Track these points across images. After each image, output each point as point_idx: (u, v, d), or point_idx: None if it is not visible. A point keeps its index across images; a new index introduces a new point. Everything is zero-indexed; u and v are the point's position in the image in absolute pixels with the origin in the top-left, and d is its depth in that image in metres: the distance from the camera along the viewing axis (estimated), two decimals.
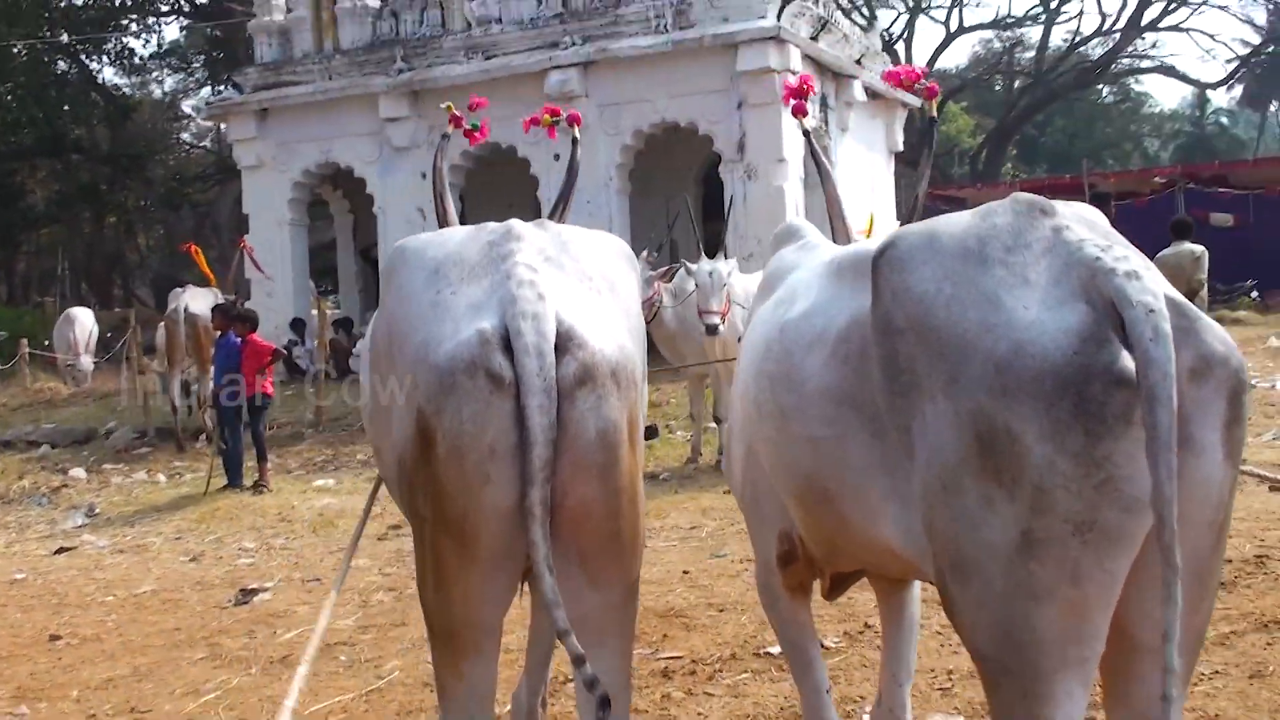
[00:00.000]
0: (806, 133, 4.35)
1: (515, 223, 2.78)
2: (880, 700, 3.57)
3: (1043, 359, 2.13)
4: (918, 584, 3.49)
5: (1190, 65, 70.39)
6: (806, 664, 3.34)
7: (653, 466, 10.74)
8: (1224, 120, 56.62)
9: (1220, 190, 25.35)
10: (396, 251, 2.86)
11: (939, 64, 42.66)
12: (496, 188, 18.50)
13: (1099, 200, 19.94)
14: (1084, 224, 2.35)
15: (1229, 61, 47.46)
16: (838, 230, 3.87)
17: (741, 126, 15.97)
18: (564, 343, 2.53)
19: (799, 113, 4.28)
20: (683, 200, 13.31)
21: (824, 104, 17.03)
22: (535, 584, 2.66)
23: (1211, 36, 44.56)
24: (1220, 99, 53.84)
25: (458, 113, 4.69)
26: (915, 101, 23.10)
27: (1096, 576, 2.16)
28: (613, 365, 2.58)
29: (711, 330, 9.34)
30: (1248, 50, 44.50)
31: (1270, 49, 44.97)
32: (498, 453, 2.49)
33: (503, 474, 2.50)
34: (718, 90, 16.11)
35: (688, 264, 9.78)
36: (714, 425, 10.77)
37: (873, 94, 18.57)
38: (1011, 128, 43.59)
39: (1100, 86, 48.53)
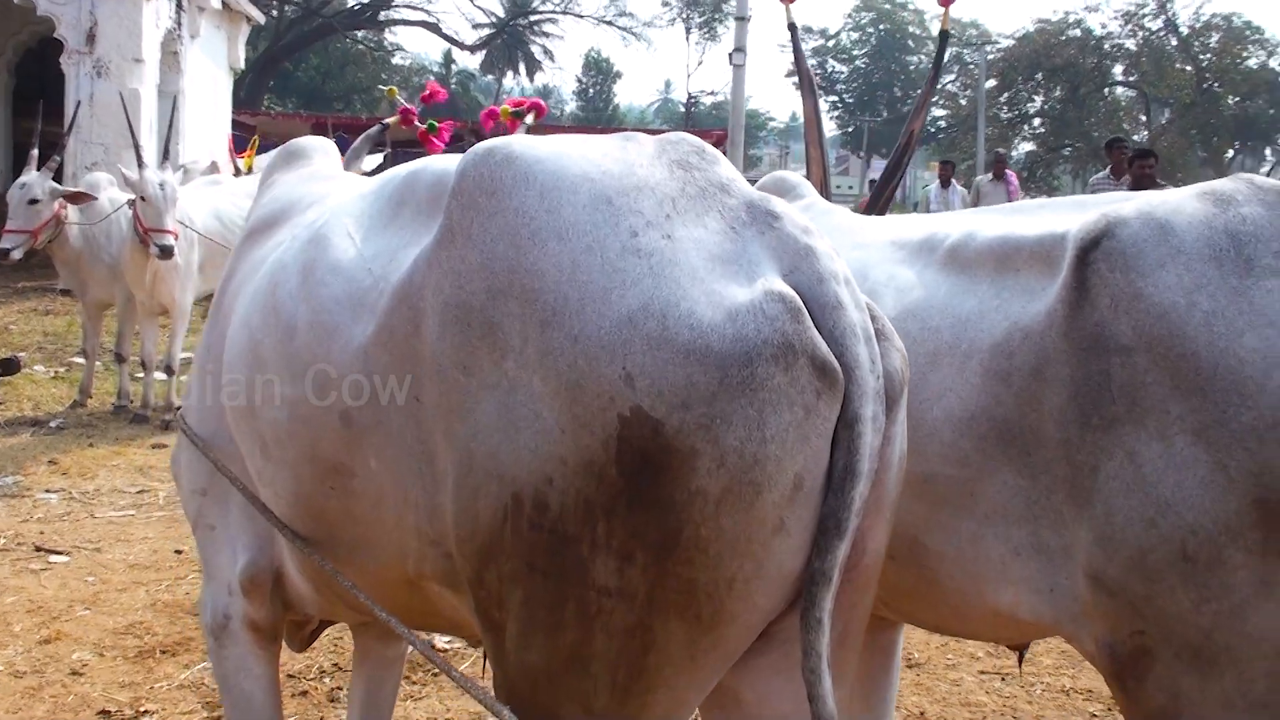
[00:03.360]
0: (792, 25, 3.67)
1: (688, 136, 1.86)
2: None
3: None
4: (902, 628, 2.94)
5: (454, 24, 74.26)
6: None
7: (30, 410, 8.96)
8: (468, 82, 60.38)
9: None
10: (499, 160, 1.74)
11: None
12: None
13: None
14: None
15: (478, 26, 50.81)
16: (812, 159, 3.33)
17: (93, 14, 13.74)
18: (875, 324, 1.73)
19: None
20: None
21: (179, 5, 15.24)
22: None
23: (473, 2, 47.57)
24: (466, 60, 57.38)
25: (409, 105, 3.37)
26: (259, 16, 22.02)
27: None
28: None
29: (166, 253, 7.87)
30: (501, 20, 47.85)
31: (516, 21, 48.74)
32: (804, 488, 1.61)
33: (801, 520, 1.63)
34: None
35: (126, 172, 8.15)
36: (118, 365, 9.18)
37: (223, 2, 16.98)
38: (276, 59, 42.75)
39: (358, 31, 49.40)
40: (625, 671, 1.66)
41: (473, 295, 1.67)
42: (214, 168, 10.60)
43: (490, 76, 61.03)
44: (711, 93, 59.38)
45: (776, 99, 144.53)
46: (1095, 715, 4.11)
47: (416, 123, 3.73)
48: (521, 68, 59.40)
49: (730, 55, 23.46)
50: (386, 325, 1.82)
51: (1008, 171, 14.61)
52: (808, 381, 1.56)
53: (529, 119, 3.81)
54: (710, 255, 1.63)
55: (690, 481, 1.54)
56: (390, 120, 3.72)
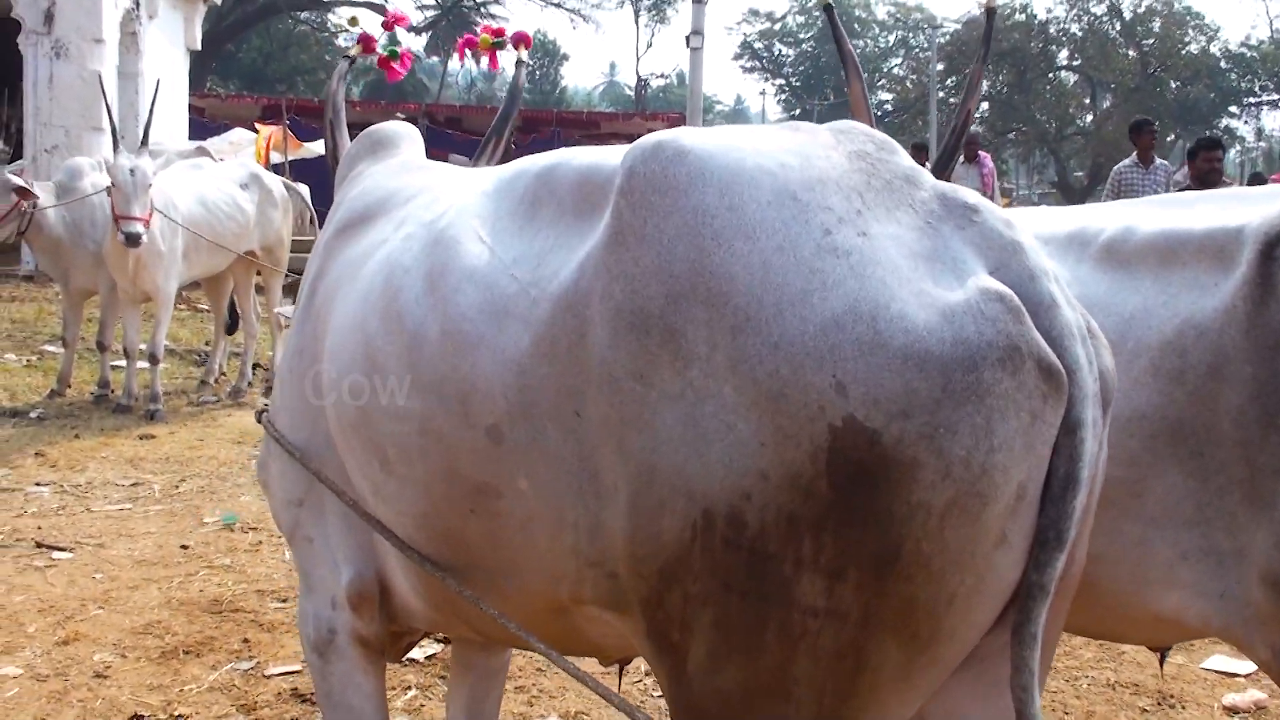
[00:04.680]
0: (828, 5, 3.61)
1: (864, 126, 1.76)
2: None
3: None
4: None
5: (399, 4, 73.76)
6: None
7: (6, 400, 8.75)
8: (413, 64, 59.91)
9: (457, 132, 26.92)
10: (670, 155, 1.64)
11: None
12: None
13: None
14: None
15: (422, 8, 50.39)
16: None
17: None
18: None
19: None
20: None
21: None
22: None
23: None
24: (411, 42, 56.80)
25: (368, 33, 3.25)
26: None
27: None
28: None
29: (133, 240, 7.65)
30: (446, 2, 47.50)
31: (462, 2, 48.42)
32: (1026, 497, 1.53)
33: (1021, 530, 1.55)
34: None
35: (108, 159, 7.94)
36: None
37: None
38: (219, 40, 42.07)
39: (302, 12, 48.91)
40: (833, 695, 1.58)
41: (650, 300, 1.57)
42: (201, 151, 10.37)
43: (435, 58, 60.58)
44: (662, 75, 59.33)
45: (721, 82, 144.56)
46: (1145, 710, 4.11)
47: (378, 49, 3.62)
48: (467, 50, 58.91)
49: (688, 38, 23.29)
50: (547, 335, 1.72)
51: (981, 153, 13.87)
52: (1034, 385, 1.48)
53: (520, 54, 3.64)
54: (911, 252, 1.54)
55: (911, 494, 1.45)
56: (353, 51, 3.60)
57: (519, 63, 3.54)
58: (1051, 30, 46.64)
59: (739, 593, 1.54)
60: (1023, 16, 46.05)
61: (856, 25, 59.28)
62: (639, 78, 50.86)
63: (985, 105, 48.51)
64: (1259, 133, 52.52)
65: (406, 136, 2.83)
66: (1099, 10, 45.65)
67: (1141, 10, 45.72)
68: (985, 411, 1.45)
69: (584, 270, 1.69)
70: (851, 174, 1.61)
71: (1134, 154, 11.12)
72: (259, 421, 2.57)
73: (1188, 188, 8.57)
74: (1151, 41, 45.81)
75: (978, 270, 1.54)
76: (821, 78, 59.68)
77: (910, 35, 55.62)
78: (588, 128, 26.90)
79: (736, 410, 1.49)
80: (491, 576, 1.95)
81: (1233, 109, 50.49)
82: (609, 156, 1.84)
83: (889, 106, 55.55)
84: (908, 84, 52.38)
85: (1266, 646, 1.94)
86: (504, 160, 3.13)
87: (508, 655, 3.00)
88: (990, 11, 3.54)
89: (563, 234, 1.82)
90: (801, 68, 60.19)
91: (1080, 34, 46.05)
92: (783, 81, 60.26)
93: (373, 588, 2.32)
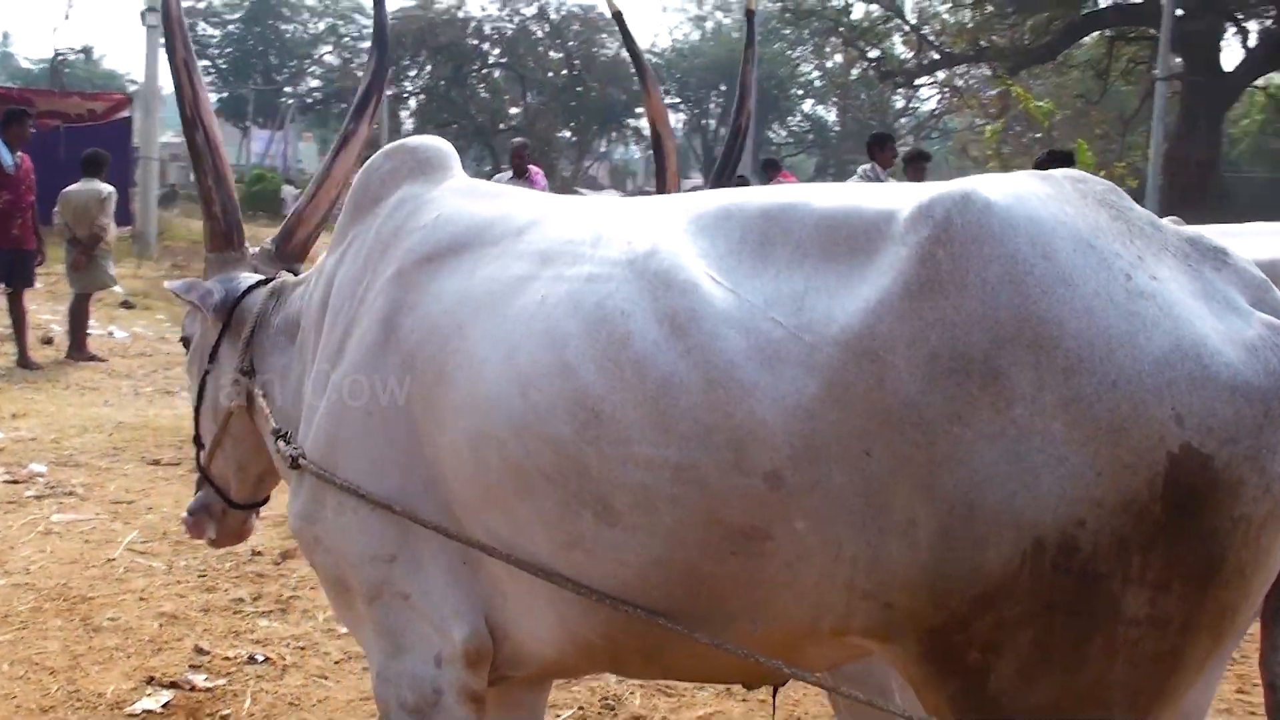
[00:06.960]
0: (618, 13, 3.65)
1: (1087, 175, 1.92)
2: None
3: None
4: None
5: None
6: None
7: None
8: None
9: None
10: (980, 207, 1.76)
11: None
12: None
13: None
14: None
15: None
16: (668, 151, 3.43)
17: None
18: None
19: None
20: None
21: None
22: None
23: None
24: None
25: None
26: None
27: None
28: None
29: None
30: None
31: None
32: None
33: None
34: None
35: None
36: None
37: None
38: None
39: None
40: (1148, 694, 1.74)
41: (973, 345, 1.70)
42: None
43: None
44: (79, 51, 54.25)
45: (138, 61, 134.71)
46: None
47: None
48: None
49: (143, 14, 21.59)
50: (839, 381, 1.77)
51: (532, 167, 12.59)
52: None
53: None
54: (1191, 293, 1.72)
55: (1235, 510, 1.65)
56: None
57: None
58: (486, 29, 48.17)
59: (1064, 612, 1.69)
60: (461, 13, 47.15)
61: (285, 10, 57.86)
62: (56, 53, 46.37)
63: (422, 98, 49.31)
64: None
65: (450, 154, 2.62)
66: (529, 11, 47.83)
67: (565, 14, 48.43)
68: None
69: (879, 317, 1.76)
70: (1114, 222, 1.78)
71: (872, 164, 11.03)
72: (296, 468, 2.31)
73: None
74: (574, 44, 48.66)
75: (1246, 307, 1.74)
76: (249, 61, 57.63)
77: (340, 23, 55.14)
78: (20, 104, 24.32)
79: (1068, 444, 1.65)
80: (732, 616, 1.95)
81: (639, 110, 54.87)
82: (860, 200, 1.92)
83: (318, 94, 54.80)
84: (337, 72, 51.86)
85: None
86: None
87: (549, 694, 2.89)
88: (750, 14, 3.70)
89: (812, 276, 1.87)
90: (229, 50, 57.68)
91: (511, 33, 47.95)
92: (209, 63, 57.43)
93: (488, 641, 2.22)
